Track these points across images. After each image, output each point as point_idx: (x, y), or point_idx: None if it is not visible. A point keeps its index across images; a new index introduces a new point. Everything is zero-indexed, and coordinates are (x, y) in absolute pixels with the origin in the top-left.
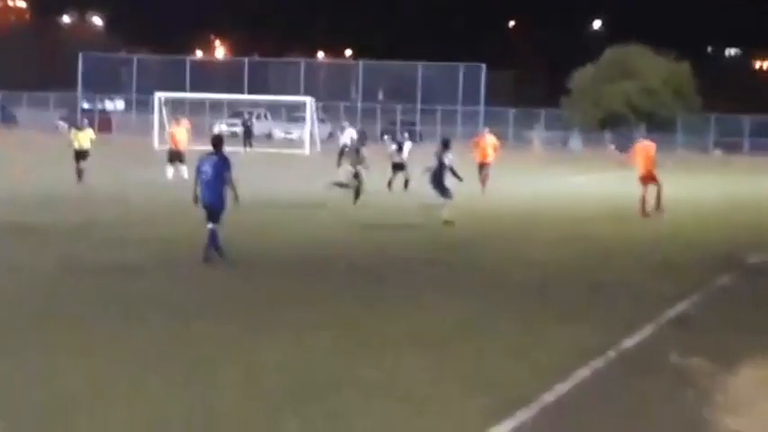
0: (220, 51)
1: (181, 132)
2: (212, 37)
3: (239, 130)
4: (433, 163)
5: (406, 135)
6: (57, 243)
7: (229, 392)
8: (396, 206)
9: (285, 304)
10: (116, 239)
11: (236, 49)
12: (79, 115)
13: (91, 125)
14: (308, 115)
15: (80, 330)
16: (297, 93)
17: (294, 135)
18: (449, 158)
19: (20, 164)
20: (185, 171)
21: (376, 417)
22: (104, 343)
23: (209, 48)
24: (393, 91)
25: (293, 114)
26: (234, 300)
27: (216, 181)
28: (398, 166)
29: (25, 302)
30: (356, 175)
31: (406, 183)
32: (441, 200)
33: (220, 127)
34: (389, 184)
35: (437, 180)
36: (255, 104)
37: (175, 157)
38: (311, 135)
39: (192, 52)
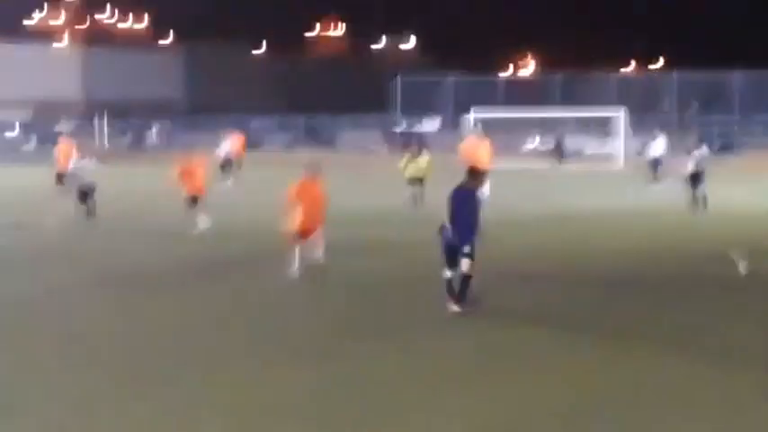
0: (530, 68)
1: (484, 148)
2: (522, 54)
3: (550, 146)
4: None
5: (705, 145)
6: (398, 256)
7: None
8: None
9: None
10: None
11: (547, 64)
12: (407, 141)
13: (409, 146)
14: (620, 129)
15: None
16: (608, 106)
17: (605, 149)
18: None
19: (344, 184)
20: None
21: None
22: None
23: (519, 65)
24: (708, 101)
25: (604, 128)
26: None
27: (464, 217)
28: (696, 177)
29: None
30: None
31: (705, 199)
32: None
33: (534, 143)
34: (696, 200)
35: None
36: (566, 120)
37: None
38: (623, 148)
39: (503, 70)
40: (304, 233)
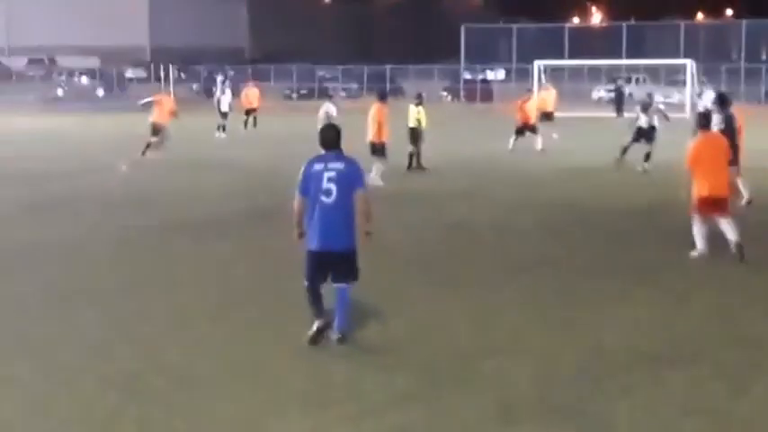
0: (597, 17)
1: (549, 96)
2: (588, 3)
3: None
4: None
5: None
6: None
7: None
8: None
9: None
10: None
11: (613, 13)
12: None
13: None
14: (688, 78)
15: None
16: (676, 56)
17: (674, 99)
18: None
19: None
20: (539, 142)
21: None
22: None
23: (585, 14)
24: None
25: (672, 78)
26: None
27: (343, 204)
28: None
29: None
30: None
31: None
32: None
33: (598, 93)
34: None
35: None
36: (634, 69)
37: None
38: (692, 98)
39: (569, 19)
40: (705, 206)
